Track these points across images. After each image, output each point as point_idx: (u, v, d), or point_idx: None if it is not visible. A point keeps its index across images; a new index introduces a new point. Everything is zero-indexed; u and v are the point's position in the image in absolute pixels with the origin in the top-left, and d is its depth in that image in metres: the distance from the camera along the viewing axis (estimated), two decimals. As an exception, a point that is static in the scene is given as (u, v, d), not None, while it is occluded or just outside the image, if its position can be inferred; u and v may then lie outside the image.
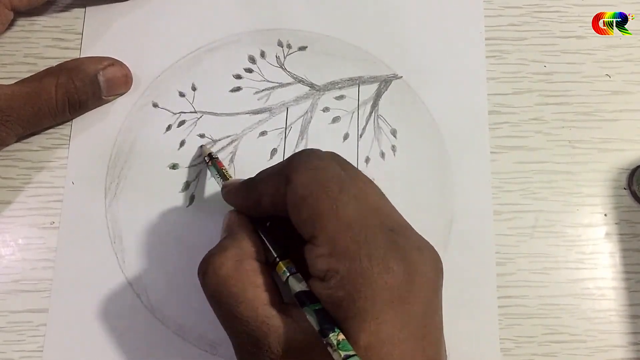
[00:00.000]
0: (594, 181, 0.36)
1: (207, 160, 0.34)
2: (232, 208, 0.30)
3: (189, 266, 0.34)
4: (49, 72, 0.34)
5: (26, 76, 0.34)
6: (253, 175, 0.29)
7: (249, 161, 0.36)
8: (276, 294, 0.26)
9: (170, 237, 0.34)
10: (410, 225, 0.26)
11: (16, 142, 0.35)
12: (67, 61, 0.35)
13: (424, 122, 0.37)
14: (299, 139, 0.36)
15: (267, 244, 0.27)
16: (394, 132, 0.37)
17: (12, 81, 0.34)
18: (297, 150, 0.36)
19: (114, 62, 0.35)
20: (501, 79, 0.38)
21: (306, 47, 0.38)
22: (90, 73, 0.34)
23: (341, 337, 0.22)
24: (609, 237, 0.36)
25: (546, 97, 0.37)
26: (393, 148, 0.36)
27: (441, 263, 0.25)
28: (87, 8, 0.38)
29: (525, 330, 0.34)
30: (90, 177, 0.35)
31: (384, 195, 0.26)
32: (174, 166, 0.35)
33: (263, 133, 0.36)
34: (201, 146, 0.35)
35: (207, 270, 0.26)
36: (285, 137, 0.36)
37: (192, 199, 0.35)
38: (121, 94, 0.36)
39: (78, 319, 0.33)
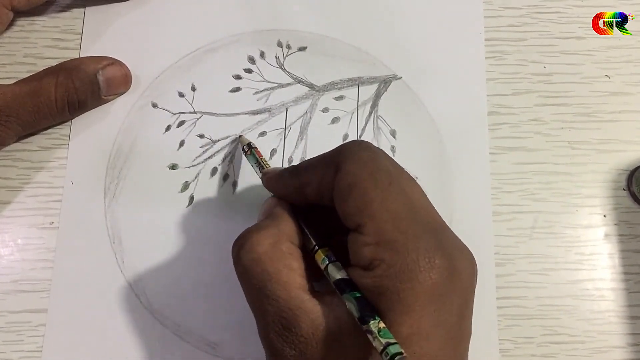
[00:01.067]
0: (593, 182, 0.36)
1: (245, 150, 0.34)
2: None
3: (189, 266, 0.34)
4: (49, 72, 0.34)
5: (26, 76, 0.34)
6: (294, 164, 0.29)
7: (248, 162, 0.36)
8: (309, 280, 0.26)
9: (170, 237, 0.34)
10: (449, 228, 0.26)
11: (15, 142, 0.35)
12: (66, 61, 0.35)
13: (423, 123, 0.37)
14: (298, 139, 0.36)
15: (307, 231, 0.27)
16: (393, 133, 0.37)
17: (12, 81, 0.34)
18: (296, 151, 0.36)
19: (113, 62, 0.35)
20: (501, 79, 0.38)
21: (306, 47, 0.38)
22: (90, 73, 0.34)
23: (382, 324, 0.22)
24: (608, 238, 0.36)
25: (545, 98, 0.37)
26: (392, 149, 0.36)
27: (477, 267, 0.25)
28: (86, 8, 0.38)
29: (524, 331, 0.34)
30: (89, 178, 0.35)
31: (425, 194, 0.26)
32: (173, 166, 0.35)
33: (262, 133, 0.36)
34: (239, 136, 0.36)
35: (243, 246, 0.26)
36: (284, 138, 0.36)
37: (191, 199, 0.35)
38: (120, 94, 0.36)
39: (77, 320, 0.33)
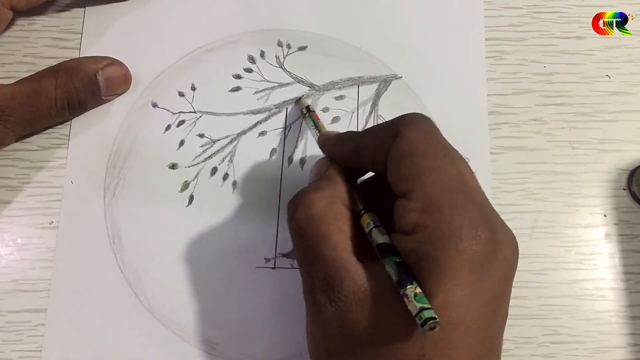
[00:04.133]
0: (593, 182, 0.36)
1: (304, 112, 0.35)
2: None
3: (188, 266, 0.34)
4: (48, 71, 0.34)
5: (25, 76, 0.34)
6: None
7: (248, 161, 0.36)
8: (356, 245, 0.26)
9: (169, 237, 0.34)
10: (495, 210, 0.26)
11: (15, 142, 0.35)
12: (66, 61, 0.35)
13: (423, 123, 0.37)
14: (298, 139, 0.36)
15: (356, 195, 0.28)
16: (393, 133, 0.36)
17: (12, 81, 0.33)
18: (296, 151, 0.36)
19: (113, 62, 0.35)
20: (501, 79, 0.38)
21: (306, 47, 0.38)
22: (90, 73, 0.34)
23: (418, 290, 0.23)
24: (609, 237, 0.35)
25: (546, 98, 0.37)
26: (392, 148, 0.36)
27: (518, 252, 0.26)
28: (86, 8, 0.38)
29: (524, 331, 0.34)
30: (89, 177, 0.35)
31: (476, 177, 0.27)
32: (173, 166, 0.35)
33: (262, 133, 0.36)
34: (299, 98, 0.36)
35: (299, 205, 0.26)
36: (284, 137, 0.36)
37: (191, 199, 0.35)
38: (120, 94, 0.36)
39: (77, 319, 0.33)
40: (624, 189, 0.36)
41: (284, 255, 0.34)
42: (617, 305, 0.34)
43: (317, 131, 0.33)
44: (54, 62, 0.35)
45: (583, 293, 0.35)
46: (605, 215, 0.36)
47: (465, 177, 0.26)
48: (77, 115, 0.35)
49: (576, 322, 0.34)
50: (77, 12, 0.38)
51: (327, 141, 0.31)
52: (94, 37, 0.37)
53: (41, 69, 0.34)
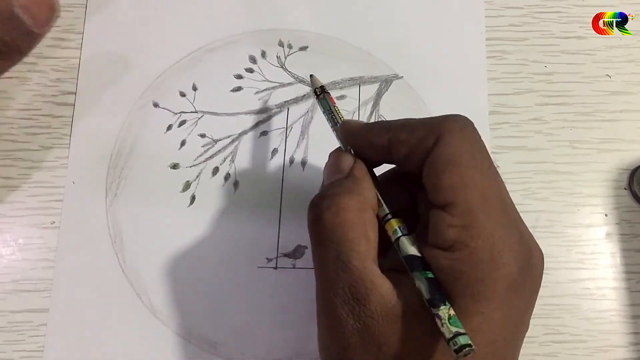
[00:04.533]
0: (594, 181, 0.36)
1: (317, 93, 0.30)
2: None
3: (190, 266, 0.34)
4: None
5: (27, 76, 0.33)
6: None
7: (249, 161, 0.36)
8: (379, 255, 0.25)
9: (171, 237, 0.34)
10: (524, 223, 0.25)
11: (16, 142, 0.35)
12: None
13: (424, 122, 0.37)
14: (299, 139, 0.36)
15: (381, 198, 0.25)
16: (394, 132, 0.36)
17: (12, 81, 0.33)
18: (297, 151, 0.36)
19: None
20: (502, 79, 0.38)
21: (307, 47, 0.38)
22: (4, 9, 0.27)
23: (452, 312, 0.21)
24: (610, 237, 0.36)
25: (546, 98, 0.38)
26: (394, 148, 0.36)
27: (544, 265, 0.25)
28: (87, 8, 0.38)
29: (525, 330, 0.34)
30: (90, 177, 0.35)
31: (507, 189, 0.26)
32: (174, 166, 0.35)
33: (264, 133, 0.36)
34: (311, 75, 0.32)
35: (329, 208, 0.24)
36: (286, 137, 0.36)
37: (192, 199, 0.35)
38: (54, 20, 0.29)
39: (78, 319, 0.33)
40: (625, 189, 0.36)
41: (286, 255, 0.34)
42: (618, 305, 0.35)
43: (332, 116, 0.29)
44: (55, 62, 0.35)
45: (584, 292, 0.35)
46: (606, 215, 0.36)
47: (503, 192, 0.24)
48: (19, 61, 0.29)
49: (577, 322, 0.34)
50: (78, 12, 0.38)
51: (352, 131, 0.28)
52: (95, 36, 0.37)
53: (42, 69, 0.34)
